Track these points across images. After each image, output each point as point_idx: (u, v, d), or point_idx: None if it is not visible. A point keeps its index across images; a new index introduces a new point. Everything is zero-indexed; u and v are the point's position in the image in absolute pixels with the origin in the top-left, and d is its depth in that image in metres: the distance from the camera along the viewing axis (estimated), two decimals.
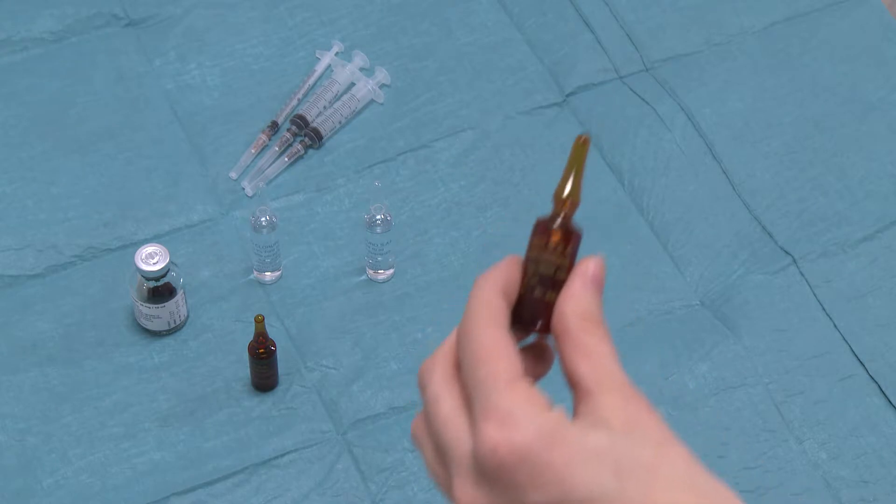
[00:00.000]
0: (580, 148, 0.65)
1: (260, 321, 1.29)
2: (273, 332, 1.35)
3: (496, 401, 0.57)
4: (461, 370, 0.60)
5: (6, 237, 1.42)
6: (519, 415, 0.56)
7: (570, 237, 0.64)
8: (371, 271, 1.41)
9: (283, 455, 1.31)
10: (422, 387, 0.62)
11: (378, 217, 1.36)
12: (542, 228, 0.65)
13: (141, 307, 1.33)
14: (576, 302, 0.61)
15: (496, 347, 0.59)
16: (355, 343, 1.37)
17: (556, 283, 0.63)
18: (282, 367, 1.34)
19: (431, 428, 0.60)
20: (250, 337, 1.32)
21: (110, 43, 1.56)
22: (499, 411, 0.56)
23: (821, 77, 1.58)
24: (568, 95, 1.55)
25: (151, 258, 1.31)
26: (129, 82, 1.53)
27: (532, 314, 0.64)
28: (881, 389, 1.36)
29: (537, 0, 1.62)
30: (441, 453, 0.59)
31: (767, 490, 1.30)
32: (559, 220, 0.65)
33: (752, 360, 1.37)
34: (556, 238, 0.64)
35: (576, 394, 0.59)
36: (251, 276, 1.40)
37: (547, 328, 0.63)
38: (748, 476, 1.31)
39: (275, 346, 1.31)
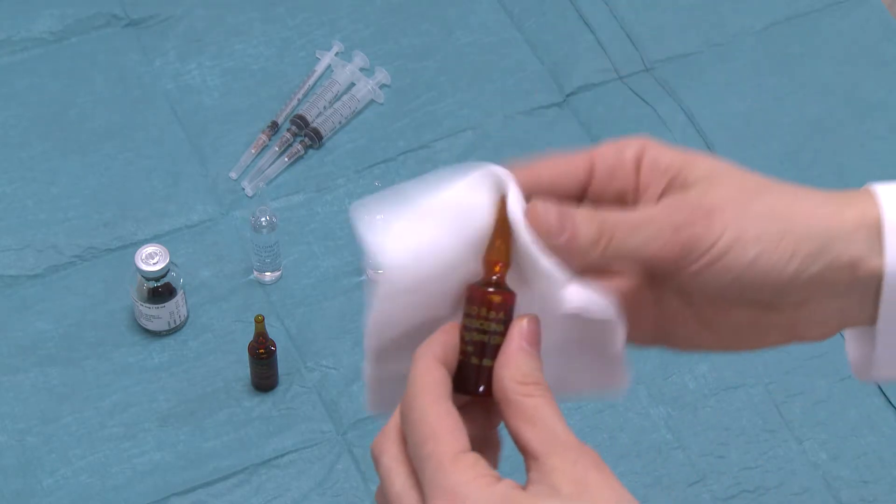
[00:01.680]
0: (503, 208, 0.63)
1: (260, 321, 1.29)
2: (273, 332, 1.35)
3: (442, 479, 0.57)
4: (408, 446, 0.60)
5: (6, 237, 1.42)
6: (468, 491, 0.57)
7: (503, 300, 0.63)
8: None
9: (283, 455, 1.31)
10: (375, 462, 0.62)
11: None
12: (474, 294, 0.63)
13: (141, 307, 1.33)
14: (514, 366, 0.61)
15: (439, 423, 0.59)
16: (355, 343, 1.37)
17: (492, 347, 0.62)
18: (282, 367, 1.34)
19: (387, 498, 0.61)
20: (250, 337, 1.32)
21: (110, 43, 1.56)
22: (446, 490, 0.57)
23: (821, 77, 1.58)
24: (568, 95, 1.55)
25: (151, 258, 1.31)
26: (129, 82, 1.53)
27: (473, 380, 0.63)
28: (881, 389, 1.36)
29: (537, 0, 1.62)
30: None
31: (767, 490, 1.30)
32: (491, 285, 0.63)
33: (752, 360, 1.37)
34: (488, 303, 0.63)
35: (525, 458, 0.60)
36: (251, 276, 1.40)
37: (489, 391, 0.62)
38: (748, 476, 1.31)
39: (275, 346, 1.31)
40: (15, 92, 1.52)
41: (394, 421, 0.62)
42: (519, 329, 0.62)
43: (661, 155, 0.64)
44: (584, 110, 1.54)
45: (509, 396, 0.60)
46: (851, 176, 1.50)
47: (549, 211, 0.62)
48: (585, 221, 0.62)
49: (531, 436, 0.59)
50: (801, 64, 1.59)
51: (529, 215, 0.63)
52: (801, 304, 0.65)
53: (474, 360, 0.63)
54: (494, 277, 0.64)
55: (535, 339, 0.62)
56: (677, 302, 0.66)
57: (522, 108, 1.53)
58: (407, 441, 0.60)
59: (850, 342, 0.70)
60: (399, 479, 0.60)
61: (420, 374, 0.61)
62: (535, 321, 0.62)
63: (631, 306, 0.66)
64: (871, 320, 0.65)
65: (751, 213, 0.63)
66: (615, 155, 0.65)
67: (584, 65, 1.57)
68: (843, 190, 0.65)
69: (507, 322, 0.63)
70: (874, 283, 0.64)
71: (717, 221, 0.62)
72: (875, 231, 0.63)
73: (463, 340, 0.63)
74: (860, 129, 1.54)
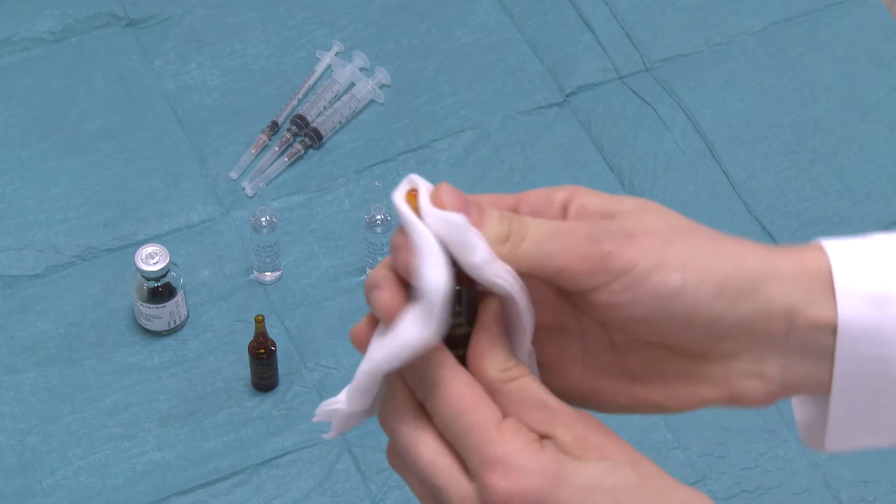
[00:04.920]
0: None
1: (260, 321, 1.29)
2: (273, 332, 1.35)
3: (492, 450, 0.57)
4: (435, 416, 0.60)
5: (6, 237, 1.42)
6: (520, 461, 0.57)
7: (458, 295, 0.61)
8: (371, 271, 1.41)
9: (283, 455, 1.31)
10: (392, 433, 0.61)
11: (378, 217, 1.36)
12: None
13: (141, 307, 1.33)
14: (489, 358, 0.60)
15: (471, 394, 0.59)
16: None
17: (458, 337, 0.61)
18: (282, 367, 1.34)
19: (414, 468, 0.60)
20: (250, 337, 1.32)
21: (110, 43, 1.56)
22: (499, 460, 0.57)
23: (821, 77, 1.58)
24: (568, 95, 1.55)
25: (151, 258, 1.31)
26: (129, 82, 1.53)
27: None
28: None
29: (537, 0, 1.62)
30: (433, 493, 0.60)
31: (767, 490, 1.30)
32: None
33: None
34: None
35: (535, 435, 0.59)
36: (251, 276, 1.40)
37: None
38: (748, 476, 1.31)
39: (275, 346, 1.31)
40: (15, 92, 1.52)
41: (399, 388, 0.61)
42: (486, 318, 0.60)
43: (589, 199, 0.62)
44: (584, 110, 1.54)
45: (493, 385, 0.60)
46: (851, 176, 1.50)
47: (452, 191, 0.59)
48: (496, 216, 0.59)
49: (529, 417, 0.59)
50: (801, 64, 1.59)
51: (434, 193, 0.59)
52: (734, 354, 0.61)
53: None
54: None
55: (501, 321, 0.60)
56: (605, 354, 0.64)
57: (522, 108, 1.54)
58: (433, 411, 0.59)
59: (799, 407, 0.66)
60: (427, 448, 0.59)
61: (430, 351, 0.60)
62: (498, 307, 0.60)
63: (555, 352, 0.64)
64: (821, 387, 0.61)
65: (676, 245, 0.59)
66: (544, 198, 0.62)
67: (584, 65, 1.57)
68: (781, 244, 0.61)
69: (468, 311, 0.61)
70: (817, 338, 0.60)
71: (638, 244, 0.58)
72: (815, 279, 0.59)
73: None
74: (860, 129, 1.54)
